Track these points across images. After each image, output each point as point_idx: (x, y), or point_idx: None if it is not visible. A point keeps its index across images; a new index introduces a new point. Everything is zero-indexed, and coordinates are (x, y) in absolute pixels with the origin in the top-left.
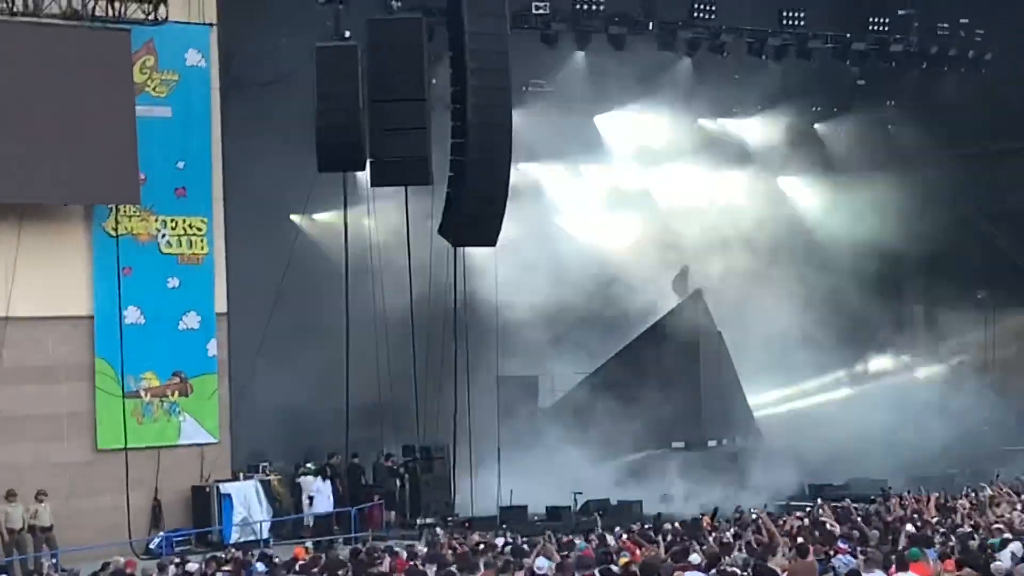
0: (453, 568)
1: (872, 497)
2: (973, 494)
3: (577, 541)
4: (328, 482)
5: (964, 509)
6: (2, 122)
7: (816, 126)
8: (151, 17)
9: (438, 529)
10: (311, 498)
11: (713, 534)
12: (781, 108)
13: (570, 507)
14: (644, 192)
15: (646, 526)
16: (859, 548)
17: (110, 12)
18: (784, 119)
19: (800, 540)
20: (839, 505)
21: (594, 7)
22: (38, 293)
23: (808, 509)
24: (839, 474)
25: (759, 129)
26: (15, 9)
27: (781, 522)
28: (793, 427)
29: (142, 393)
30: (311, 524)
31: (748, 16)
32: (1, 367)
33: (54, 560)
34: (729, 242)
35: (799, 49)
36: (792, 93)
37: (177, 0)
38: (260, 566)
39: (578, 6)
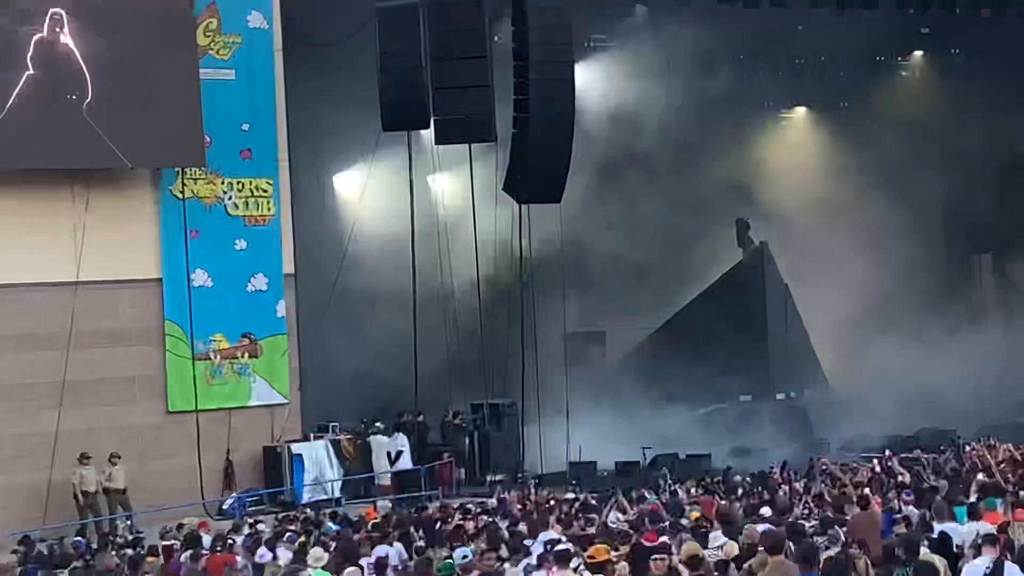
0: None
1: (942, 447)
2: None
3: (647, 495)
4: (403, 437)
5: None
6: (69, 88)
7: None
8: None
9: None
10: (399, 453)
11: (783, 486)
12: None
13: (639, 462)
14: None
15: (716, 479)
16: (929, 498)
17: None
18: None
19: (866, 491)
20: (909, 456)
21: None
22: (107, 257)
23: (877, 460)
24: (909, 425)
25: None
26: None
27: (851, 474)
28: (863, 379)
29: (212, 355)
30: (387, 482)
31: None
32: (73, 331)
33: (129, 522)
34: (797, 193)
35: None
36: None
37: None
38: (331, 525)
39: None
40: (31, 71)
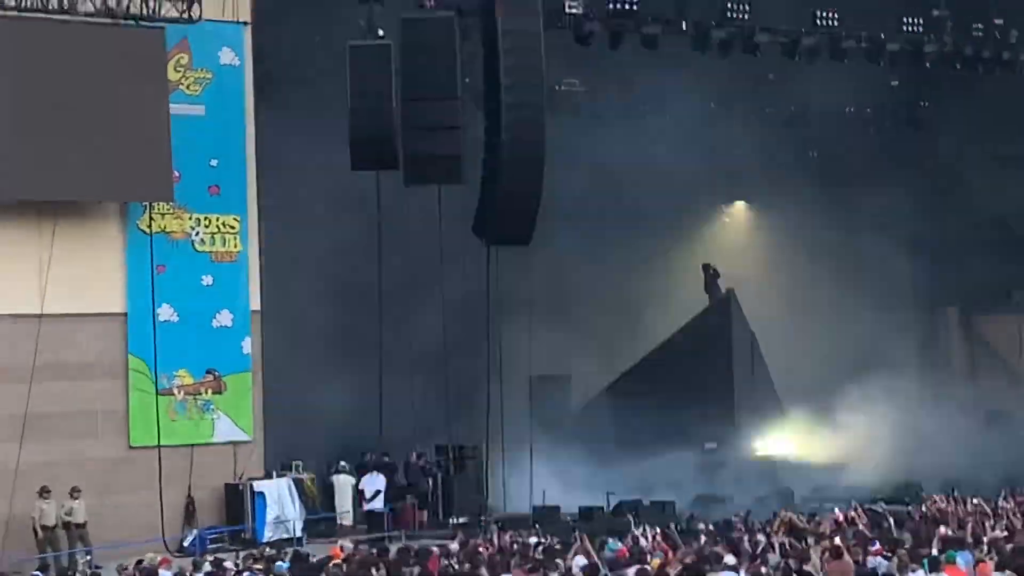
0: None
1: (906, 499)
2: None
3: (610, 541)
4: (382, 477)
5: (1003, 512)
6: (37, 120)
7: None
8: (185, 15)
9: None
10: (376, 492)
11: (747, 536)
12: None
13: (603, 507)
14: None
15: (679, 527)
16: (892, 550)
17: (144, 10)
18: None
19: (835, 542)
20: (872, 507)
21: (628, 6)
22: (72, 290)
23: (840, 510)
24: (872, 477)
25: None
26: (50, 7)
27: (815, 524)
28: (831, 430)
29: (176, 391)
30: (348, 522)
31: (782, 16)
32: (35, 364)
33: (88, 557)
34: (760, 244)
35: (832, 50)
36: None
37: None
38: (282, 564)
39: (611, 5)
40: (1, 103)
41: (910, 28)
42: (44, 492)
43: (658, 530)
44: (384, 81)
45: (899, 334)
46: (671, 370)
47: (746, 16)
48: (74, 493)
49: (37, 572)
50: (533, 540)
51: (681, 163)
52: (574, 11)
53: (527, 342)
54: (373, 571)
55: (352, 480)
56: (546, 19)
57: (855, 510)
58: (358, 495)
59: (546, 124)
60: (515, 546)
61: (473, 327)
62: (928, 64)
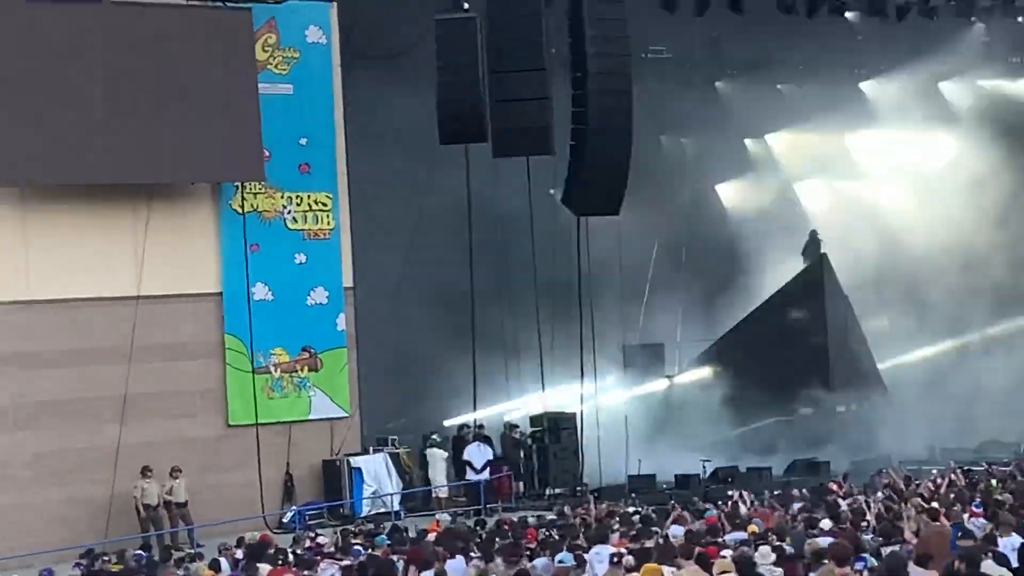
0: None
1: (1006, 460)
2: None
3: (708, 509)
4: (488, 447)
5: None
6: (128, 104)
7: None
8: None
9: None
10: (488, 463)
11: (844, 499)
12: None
13: (698, 475)
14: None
15: (776, 492)
16: (992, 512)
17: None
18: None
19: (933, 505)
20: (971, 468)
21: None
22: (168, 272)
23: (940, 472)
24: (971, 438)
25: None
26: None
27: (913, 486)
28: (925, 391)
29: (272, 369)
30: (444, 495)
31: None
32: (133, 346)
33: (190, 535)
34: (856, 204)
35: (921, 8)
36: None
37: None
38: (381, 538)
39: None
40: (93, 88)
41: None
42: (145, 472)
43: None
44: (471, 54)
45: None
46: (765, 335)
47: None
48: (174, 472)
49: (139, 551)
50: (630, 509)
51: None
52: None
53: (620, 311)
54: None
55: (445, 453)
56: None
57: (954, 472)
58: (464, 466)
59: (633, 92)
60: (612, 516)
61: (566, 297)
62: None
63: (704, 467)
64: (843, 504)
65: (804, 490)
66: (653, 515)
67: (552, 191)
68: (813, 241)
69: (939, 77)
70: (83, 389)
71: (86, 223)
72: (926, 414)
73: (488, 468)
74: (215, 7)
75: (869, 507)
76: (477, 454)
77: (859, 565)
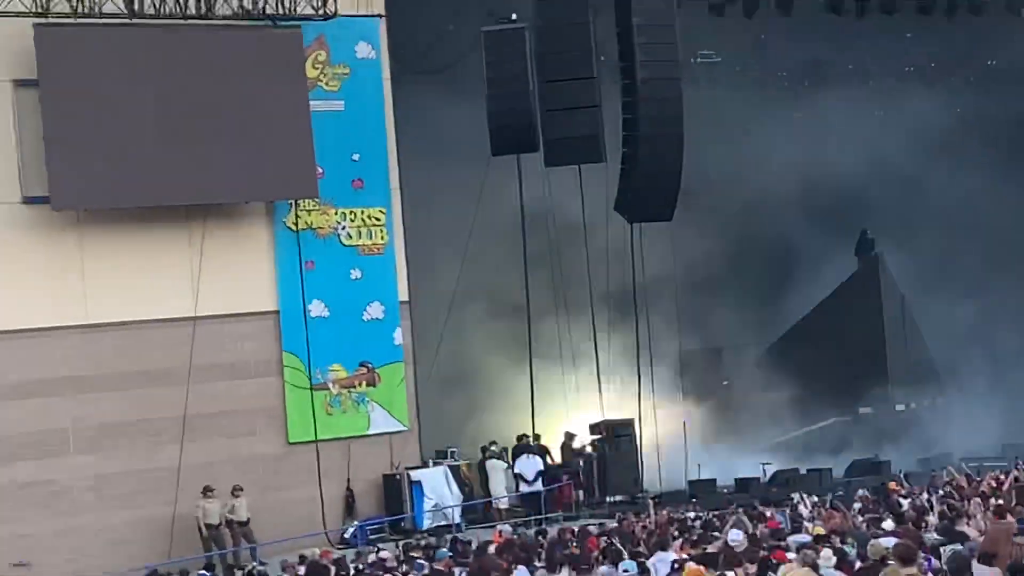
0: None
1: None
2: None
3: (769, 512)
4: (538, 458)
5: None
6: (182, 125)
7: None
8: (321, 12)
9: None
10: (539, 473)
11: (905, 499)
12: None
13: (759, 478)
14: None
15: (838, 493)
16: None
17: (280, 10)
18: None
19: (999, 501)
20: None
21: None
22: (224, 291)
23: (1004, 470)
24: None
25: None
26: (188, 12)
27: (976, 483)
28: (986, 388)
29: (330, 385)
30: (504, 506)
31: None
32: (192, 366)
33: (253, 554)
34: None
35: (971, 5)
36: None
37: None
38: (443, 551)
39: None
40: (146, 110)
41: None
42: (207, 491)
43: (816, 498)
44: (520, 65)
45: None
46: (822, 336)
47: None
48: (236, 491)
49: (203, 571)
50: (691, 514)
51: None
52: None
53: (676, 316)
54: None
55: (504, 464)
56: None
57: (1017, 467)
58: (515, 478)
59: (684, 97)
60: (673, 522)
61: (622, 304)
62: None
63: (764, 470)
64: (905, 504)
65: (866, 490)
66: (715, 520)
67: (605, 199)
68: (865, 240)
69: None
70: (143, 411)
71: (142, 246)
72: (990, 409)
73: (541, 478)
74: (265, 26)
75: (931, 506)
76: (527, 466)
77: (924, 564)
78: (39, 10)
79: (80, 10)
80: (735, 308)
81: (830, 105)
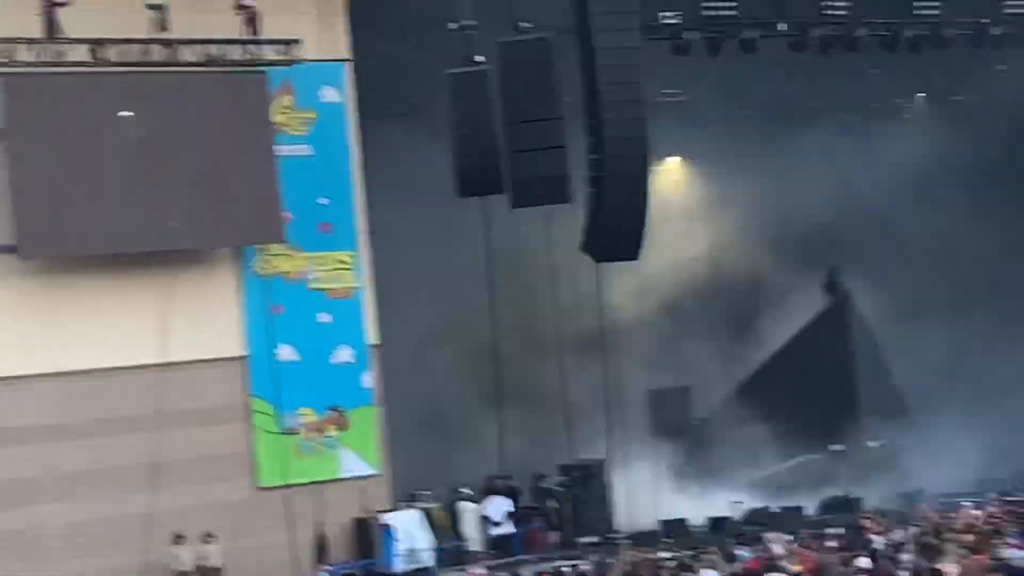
0: None
1: None
2: None
3: (739, 552)
4: (507, 499)
5: None
6: (148, 172)
7: None
8: (286, 58)
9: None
10: (508, 514)
11: (880, 535)
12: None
13: (731, 517)
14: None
15: (810, 531)
16: None
17: (246, 56)
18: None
19: (972, 537)
20: (1009, 499)
21: (724, 12)
22: (193, 337)
23: (978, 504)
24: (1003, 469)
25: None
26: (152, 59)
27: (950, 519)
28: (960, 422)
29: (300, 429)
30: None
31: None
32: (161, 412)
33: None
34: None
35: (934, 39)
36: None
37: (310, 39)
38: None
39: (708, 12)
40: (110, 157)
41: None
42: (178, 539)
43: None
44: (485, 106)
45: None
46: (792, 373)
47: (845, 12)
48: (207, 538)
49: None
50: (665, 554)
51: None
52: (670, 21)
53: (645, 355)
54: None
55: (474, 506)
56: (642, 31)
57: (992, 503)
58: (483, 521)
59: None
60: (643, 565)
61: (589, 344)
62: None
63: (737, 509)
64: (878, 541)
65: (840, 528)
66: (688, 561)
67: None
68: (833, 276)
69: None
70: (112, 458)
71: (110, 293)
72: (965, 444)
73: (511, 519)
74: (229, 71)
75: (905, 543)
76: (495, 507)
77: None
78: (3, 59)
79: (44, 58)
80: (705, 345)
81: (797, 143)
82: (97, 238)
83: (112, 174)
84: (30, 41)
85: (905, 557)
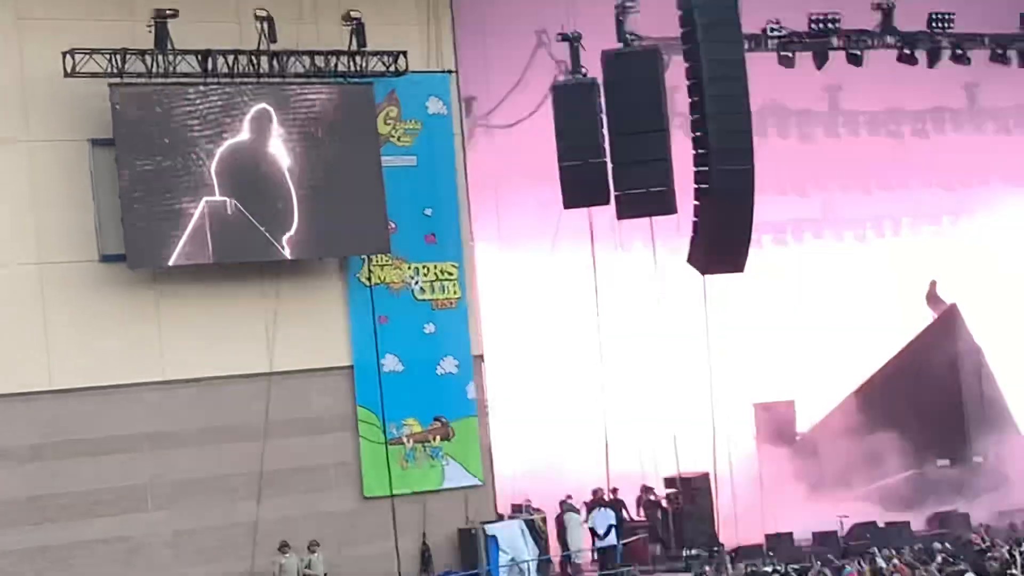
0: None
1: None
2: None
3: (847, 566)
4: (611, 512)
5: None
6: (255, 182)
7: None
8: (392, 69)
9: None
10: (610, 527)
11: (987, 552)
12: None
13: (836, 531)
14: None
15: (916, 547)
16: None
17: (352, 67)
18: None
19: None
20: None
21: (830, 24)
22: (299, 347)
23: None
24: None
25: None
26: (261, 71)
27: None
28: None
29: (405, 439)
30: (583, 560)
31: (990, 21)
32: (268, 421)
33: None
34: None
35: None
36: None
37: (416, 51)
38: None
39: (814, 25)
40: (218, 167)
41: None
42: (284, 547)
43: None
44: (590, 118)
45: None
46: (899, 387)
47: (950, 25)
48: (312, 547)
49: None
50: (768, 568)
51: None
52: (776, 33)
53: (750, 367)
54: None
55: (580, 518)
56: (748, 43)
57: None
58: (588, 532)
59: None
60: None
61: (695, 355)
62: None
63: (842, 523)
64: (987, 556)
65: (946, 543)
66: (793, 574)
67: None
68: (934, 291)
69: None
70: (219, 466)
71: (217, 302)
72: None
73: (613, 531)
74: (337, 83)
75: (1014, 558)
76: (599, 519)
77: None
78: (115, 71)
79: (155, 70)
80: (811, 358)
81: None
82: (205, 248)
83: (219, 185)
84: (141, 52)
85: (1015, 573)
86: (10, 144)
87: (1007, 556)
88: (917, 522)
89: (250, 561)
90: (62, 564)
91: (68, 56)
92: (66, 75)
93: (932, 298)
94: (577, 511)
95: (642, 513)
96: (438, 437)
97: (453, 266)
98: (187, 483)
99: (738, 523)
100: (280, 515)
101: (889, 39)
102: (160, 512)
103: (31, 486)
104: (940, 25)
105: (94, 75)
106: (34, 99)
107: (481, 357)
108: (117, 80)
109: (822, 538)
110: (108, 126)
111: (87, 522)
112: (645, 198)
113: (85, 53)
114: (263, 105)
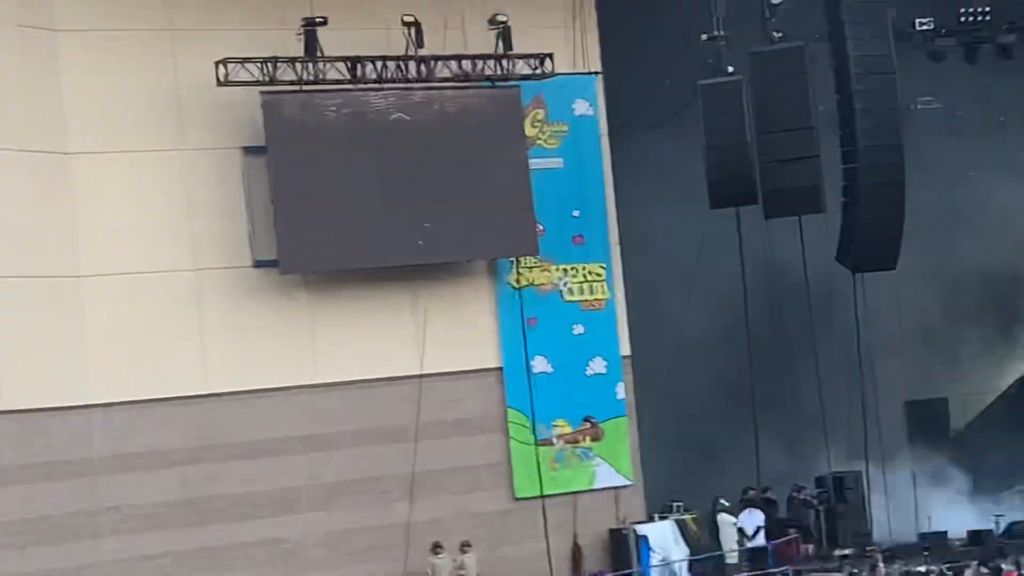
0: None
1: None
2: None
3: (1003, 565)
4: (760, 513)
5: None
6: (405, 186)
7: None
8: (538, 72)
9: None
10: (758, 529)
11: None
12: None
13: (991, 530)
14: None
15: None
16: None
17: (499, 71)
18: None
19: None
20: None
21: (980, 17)
22: (449, 349)
23: None
24: None
25: None
26: (409, 76)
27: None
28: None
29: (555, 440)
30: (734, 561)
31: None
32: (420, 423)
33: None
34: None
35: None
36: None
37: (562, 53)
38: None
39: (964, 19)
40: (370, 173)
41: None
42: (436, 548)
43: None
44: (737, 117)
45: None
46: None
47: None
48: (464, 547)
49: None
50: (922, 568)
51: None
52: (925, 28)
53: (900, 366)
54: None
55: (732, 519)
56: (896, 38)
57: None
58: (739, 532)
59: (904, 145)
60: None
61: (846, 353)
62: None
63: (997, 522)
64: None
65: None
66: (949, 573)
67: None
68: None
69: None
70: (372, 468)
71: (368, 306)
72: None
73: (761, 532)
74: (485, 86)
75: None
76: (747, 520)
77: None
78: (266, 79)
79: (305, 77)
80: (962, 355)
81: None
82: (356, 252)
83: (370, 189)
84: (290, 60)
85: None
86: (166, 153)
87: None
88: None
89: (403, 562)
90: (220, 565)
91: (221, 65)
92: (219, 84)
93: None
94: (730, 512)
95: (793, 513)
96: (588, 438)
97: (601, 267)
98: (340, 484)
99: (891, 522)
100: (432, 516)
101: None
102: (314, 513)
103: (189, 488)
104: None
105: (246, 83)
106: (188, 108)
107: (630, 357)
108: (268, 88)
109: (977, 537)
110: (260, 134)
111: (243, 524)
112: (794, 196)
113: (237, 62)
114: (411, 110)
